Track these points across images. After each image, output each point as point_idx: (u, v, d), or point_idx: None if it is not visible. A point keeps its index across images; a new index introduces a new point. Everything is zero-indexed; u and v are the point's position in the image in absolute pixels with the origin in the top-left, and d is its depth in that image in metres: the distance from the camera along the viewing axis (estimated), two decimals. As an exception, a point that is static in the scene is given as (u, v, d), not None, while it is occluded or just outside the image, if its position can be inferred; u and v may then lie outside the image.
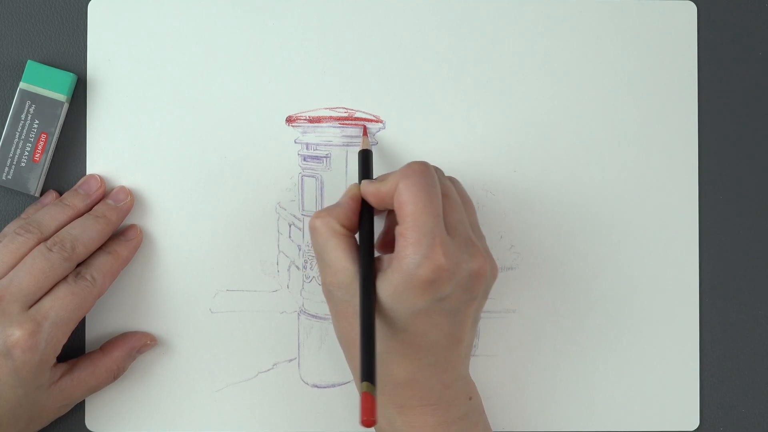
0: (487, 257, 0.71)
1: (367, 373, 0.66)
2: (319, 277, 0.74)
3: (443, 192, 0.71)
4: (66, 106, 0.78)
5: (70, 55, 0.79)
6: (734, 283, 0.81)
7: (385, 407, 0.72)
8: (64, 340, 0.73)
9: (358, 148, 0.78)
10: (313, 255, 0.80)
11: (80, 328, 0.78)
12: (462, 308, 0.70)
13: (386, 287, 0.69)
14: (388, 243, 0.73)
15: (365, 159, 0.76)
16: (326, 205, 0.79)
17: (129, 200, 0.78)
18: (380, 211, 0.74)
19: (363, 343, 0.67)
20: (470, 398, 0.73)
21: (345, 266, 0.70)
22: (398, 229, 0.69)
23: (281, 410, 0.79)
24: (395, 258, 0.69)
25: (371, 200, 0.72)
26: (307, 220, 0.80)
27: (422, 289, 0.68)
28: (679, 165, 0.81)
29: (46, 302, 0.73)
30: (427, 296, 0.68)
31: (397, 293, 0.69)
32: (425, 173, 0.70)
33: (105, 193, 0.78)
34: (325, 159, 0.80)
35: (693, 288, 0.81)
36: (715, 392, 0.81)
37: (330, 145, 0.80)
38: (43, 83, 0.77)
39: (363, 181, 0.73)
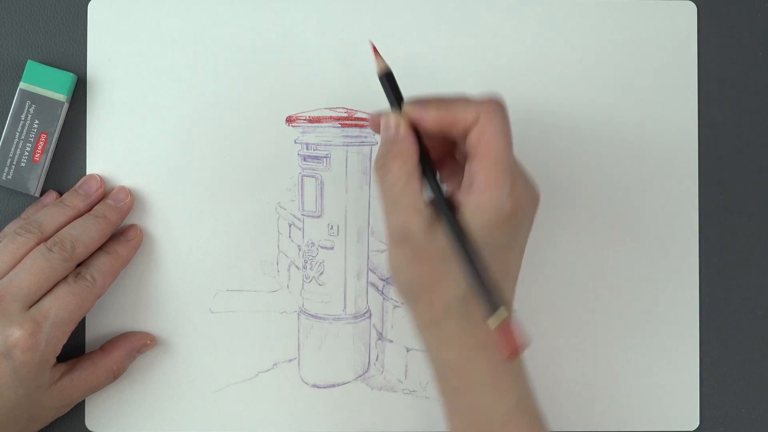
0: (536, 186, 0.71)
1: (496, 299, 0.64)
2: (386, 225, 0.70)
3: None
4: (66, 106, 0.78)
5: (70, 55, 0.79)
6: (734, 283, 0.81)
7: (465, 346, 0.69)
8: (64, 340, 0.73)
9: (378, 73, 0.71)
10: (312, 255, 0.80)
11: (80, 328, 0.78)
12: (523, 241, 0.71)
13: (474, 224, 0.68)
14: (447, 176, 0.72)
15: (392, 82, 0.71)
16: (326, 205, 0.79)
17: (129, 200, 0.78)
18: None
19: (476, 274, 0.66)
20: None
21: (424, 207, 0.68)
22: (474, 165, 0.68)
23: (281, 410, 0.79)
24: (476, 194, 0.68)
25: (430, 126, 0.69)
26: (307, 220, 0.80)
27: (506, 225, 0.68)
28: (679, 165, 0.81)
29: (46, 302, 0.73)
30: (509, 231, 0.68)
31: (483, 230, 0.68)
32: (505, 110, 0.69)
33: (105, 193, 0.78)
34: (325, 159, 0.80)
35: (693, 288, 0.81)
36: (715, 392, 0.81)
37: (330, 145, 0.80)
38: (43, 83, 0.77)
39: (410, 105, 0.69)
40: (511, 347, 0.63)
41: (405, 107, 0.70)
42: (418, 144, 0.69)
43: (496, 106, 0.69)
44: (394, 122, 0.70)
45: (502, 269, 0.69)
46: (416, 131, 0.69)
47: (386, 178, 0.69)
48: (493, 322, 0.64)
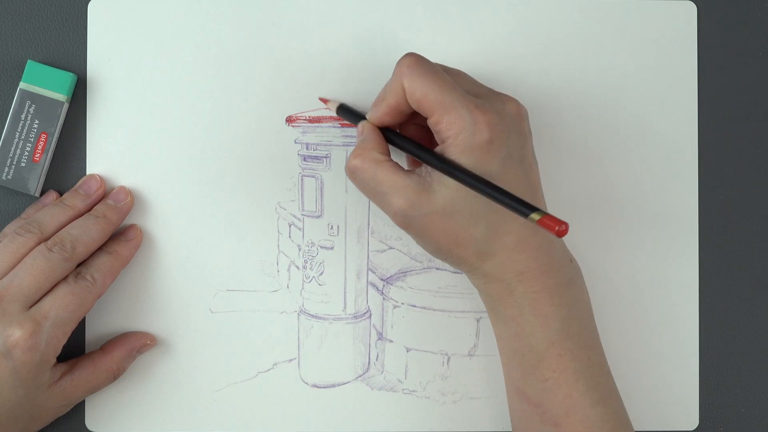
0: (510, 100, 0.72)
1: (525, 205, 0.66)
2: (382, 213, 0.73)
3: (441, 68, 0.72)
4: (66, 106, 0.78)
5: (70, 55, 0.79)
6: (734, 283, 0.81)
7: (505, 280, 0.72)
8: (64, 340, 0.73)
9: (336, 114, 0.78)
10: (312, 255, 0.80)
11: (80, 328, 0.78)
12: (523, 153, 0.72)
13: (465, 165, 0.69)
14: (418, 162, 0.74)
15: (347, 109, 0.76)
16: (326, 205, 0.79)
17: (129, 200, 0.78)
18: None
19: (496, 193, 0.67)
20: (571, 260, 0.74)
21: (406, 183, 0.70)
22: (432, 121, 0.70)
23: (281, 410, 0.79)
24: (448, 145, 0.70)
25: (388, 119, 0.72)
26: (307, 220, 0.80)
27: (489, 152, 0.69)
28: (679, 165, 0.81)
29: (47, 302, 0.73)
30: (495, 156, 0.69)
31: (477, 166, 0.69)
32: (418, 60, 0.71)
33: (105, 193, 0.78)
34: (325, 159, 0.80)
35: (693, 288, 0.81)
36: (714, 392, 0.81)
37: (330, 145, 0.80)
38: (43, 83, 0.77)
39: (368, 113, 0.73)
40: (558, 225, 0.65)
41: (367, 116, 0.73)
42: (382, 136, 0.72)
43: (407, 62, 0.71)
44: (358, 130, 0.74)
45: (517, 187, 0.70)
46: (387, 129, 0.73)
47: (358, 176, 0.72)
48: (534, 216, 0.66)
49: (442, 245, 0.72)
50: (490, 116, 0.70)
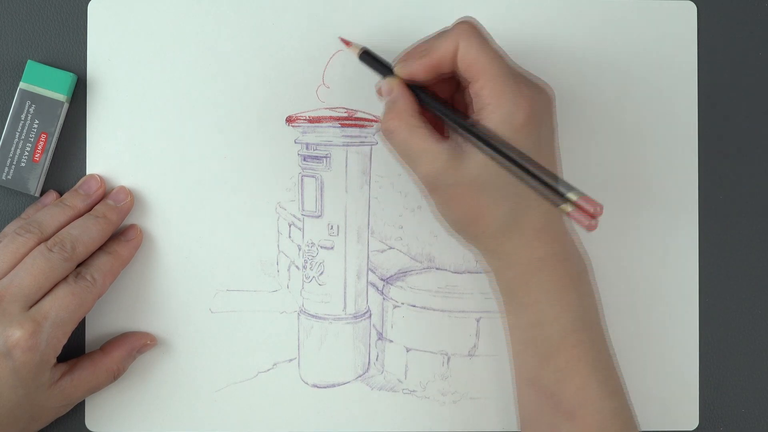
0: (546, 86, 0.73)
1: (560, 185, 0.67)
2: (411, 175, 0.73)
3: None
4: (66, 106, 0.78)
5: (70, 55, 0.79)
6: (734, 283, 0.81)
7: (525, 264, 0.71)
8: (65, 340, 0.73)
9: (355, 54, 0.76)
10: (312, 255, 0.80)
11: (80, 328, 0.78)
12: (550, 141, 0.72)
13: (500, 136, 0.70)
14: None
15: (371, 56, 0.75)
16: (326, 205, 0.79)
17: (129, 200, 0.78)
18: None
19: (527, 170, 0.68)
20: (582, 254, 0.74)
21: (439, 149, 0.70)
22: (475, 87, 0.70)
23: (281, 410, 0.79)
24: (487, 113, 0.70)
25: (421, 75, 0.72)
26: (307, 220, 0.80)
27: (525, 130, 0.70)
28: (679, 165, 0.81)
29: (47, 302, 0.73)
30: (530, 136, 0.70)
31: (510, 140, 0.69)
32: (477, 26, 0.71)
33: (105, 193, 0.78)
34: (325, 159, 0.80)
35: (693, 288, 0.81)
36: (714, 392, 0.81)
37: (330, 145, 0.80)
38: (43, 83, 0.77)
39: (398, 66, 0.72)
40: (589, 216, 0.66)
41: (395, 70, 0.72)
42: (416, 97, 0.72)
43: (467, 26, 0.71)
44: (387, 86, 0.73)
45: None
46: (416, 86, 0.72)
47: (392, 138, 0.72)
48: (565, 207, 0.66)
49: (464, 218, 0.71)
50: (532, 97, 0.70)
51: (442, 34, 0.72)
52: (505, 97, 0.69)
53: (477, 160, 0.70)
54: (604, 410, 0.71)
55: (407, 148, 0.71)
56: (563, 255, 0.72)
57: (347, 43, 0.76)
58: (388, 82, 0.73)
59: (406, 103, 0.72)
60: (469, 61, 0.70)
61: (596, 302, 0.74)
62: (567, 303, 0.71)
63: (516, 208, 0.71)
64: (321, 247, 0.80)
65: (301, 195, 0.80)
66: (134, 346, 0.78)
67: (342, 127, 0.80)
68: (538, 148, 0.70)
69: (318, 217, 0.80)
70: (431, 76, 0.72)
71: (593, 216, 0.65)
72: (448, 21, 0.80)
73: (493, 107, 0.70)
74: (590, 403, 0.71)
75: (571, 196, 0.66)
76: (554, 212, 0.71)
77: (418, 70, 0.72)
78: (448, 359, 0.80)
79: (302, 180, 0.80)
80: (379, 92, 0.73)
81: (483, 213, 0.71)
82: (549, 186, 0.68)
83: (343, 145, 0.80)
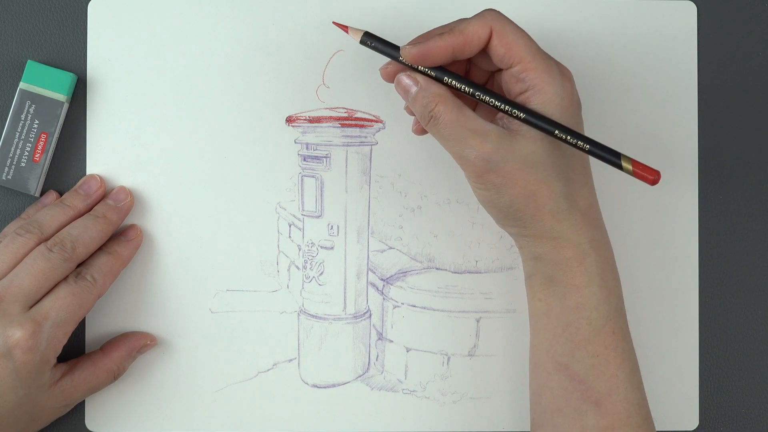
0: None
1: (613, 152, 0.70)
2: (459, 164, 0.71)
3: None
4: (66, 106, 0.78)
5: (70, 55, 0.79)
6: (734, 283, 0.81)
7: (579, 245, 0.71)
8: (65, 341, 0.73)
9: (359, 42, 0.73)
10: (312, 255, 0.80)
11: (80, 328, 0.78)
12: (581, 126, 0.73)
13: (552, 117, 0.70)
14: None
15: (376, 38, 0.72)
16: (326, 205, 0.79)
17: (129, 200, 0.78)
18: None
19: (585, 140, 0.70)
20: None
21: (490, 128, 0.70)
22: (518, 68, 0.70)
23: (281, 410, 0.79)
24: (536, 92, 0.70)
25: (439, 55, 0.70)
26: (307, 220, 0.80)
27: (574, 108, 0.71)
28: (679, 165, 0.81)
29: (47, 303, 0.73)
30: (578, 112, 0.71)
31: (561, 120, 0.70)
32: (504, 15, 0.71)
33: (105, 193, 0.78)
34: (325, 159, 0.80)
35: (693, 288, 0.81)
36: (714, 392, 0.81)
37: (330, 145, 0.80)
38: (43, 83, 0.77)
39: (408, 47, 0.70)
40: (650, 173, 0.68)
41: (403, 51, 0.71)
42: (448, 74, 0.71)
43: (498, 14, 0.71)
44: (408, 80, 0.71)
45: (585, 156, 0.72)
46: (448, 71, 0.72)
47: (438, 125, 0.71)
48: (626, 165, 0.69)
49: (519, 198, 0.70)
50: (570, 78, 0.71)
51: (467, 19, 0.71)
52: (552, 77, 0.70)
53: (529, 137, 0.70)
54: (631, 400, 0.71)
55: (458, 130, 0.70)
56: (607, 239, 0.73)
57: (344, 28, 0.73)
58: (408, 75, 0.71)
59: (440, 87, 0.71)
60: (509, 44, 0.70)
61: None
62: (612, 288, 0.72)
63: (569, 185, 0.71)
64: (321, 247, 0.80)
65: (301, 195, 0.80)
66: (134, 346, 0.78)
67: (342, 127, 0.80)
68: (582, 127, 0.72)
69: (318, 217, 0.80)
70: (447, 58, 0.71)
71: (653, 182, 0.67)
72: (446, 20, 0.80)
73: (542, 88, 0.70)
74: (618, 392, 0.71)
75: (627, 164, 0.68)
76: (595, 196, 0.72)
77: (441, 48, 0.70)
78: (448, 359, 0.80)
79: (302, 180, 0.80)
80: (399, 82, 0.72)
81: (541, 190, 0.70)
82: (606, 149, 0.70)
83: (343, 145, 0.80)
